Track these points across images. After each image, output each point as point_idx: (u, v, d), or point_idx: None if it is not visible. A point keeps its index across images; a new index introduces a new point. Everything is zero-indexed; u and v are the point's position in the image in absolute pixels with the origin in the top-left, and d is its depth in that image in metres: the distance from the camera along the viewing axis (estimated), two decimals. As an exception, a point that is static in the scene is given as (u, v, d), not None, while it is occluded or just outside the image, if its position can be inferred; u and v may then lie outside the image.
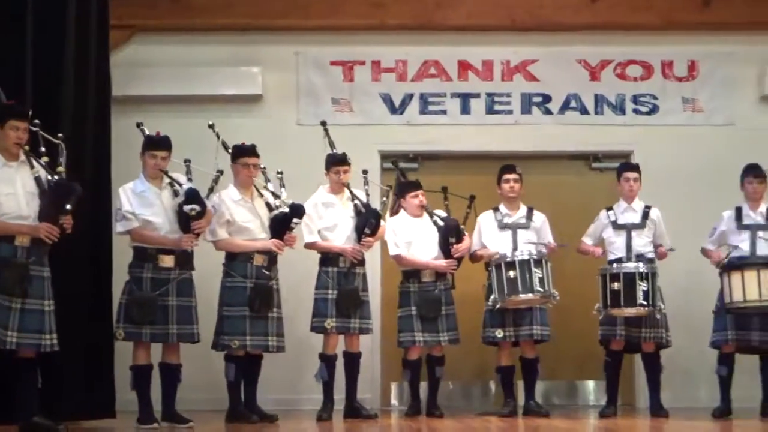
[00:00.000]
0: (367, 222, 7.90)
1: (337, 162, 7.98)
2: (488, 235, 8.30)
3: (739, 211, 8.17)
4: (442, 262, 8.13)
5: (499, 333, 8.09)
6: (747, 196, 8.21)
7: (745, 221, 8.12)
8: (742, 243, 8.05)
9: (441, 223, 8.15)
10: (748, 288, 7.80)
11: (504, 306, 7.96)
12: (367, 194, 8.08)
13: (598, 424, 7.54)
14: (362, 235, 7.90)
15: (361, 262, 7.98)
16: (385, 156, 9.40)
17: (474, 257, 8.37)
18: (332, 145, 8.09)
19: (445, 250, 8.12)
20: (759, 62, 9.52)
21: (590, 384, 9.56)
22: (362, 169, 8.15)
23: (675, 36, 9.55)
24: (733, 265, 7.92)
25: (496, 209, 8.38)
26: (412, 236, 8.21)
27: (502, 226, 8.30)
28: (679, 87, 9.58)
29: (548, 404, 8.95)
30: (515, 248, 8.12)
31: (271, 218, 7.70)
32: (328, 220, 7.97)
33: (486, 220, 8.36)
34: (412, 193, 8.26)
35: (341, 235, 7.95)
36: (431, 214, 8.21)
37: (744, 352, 8.14)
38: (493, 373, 8.49)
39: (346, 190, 7.99)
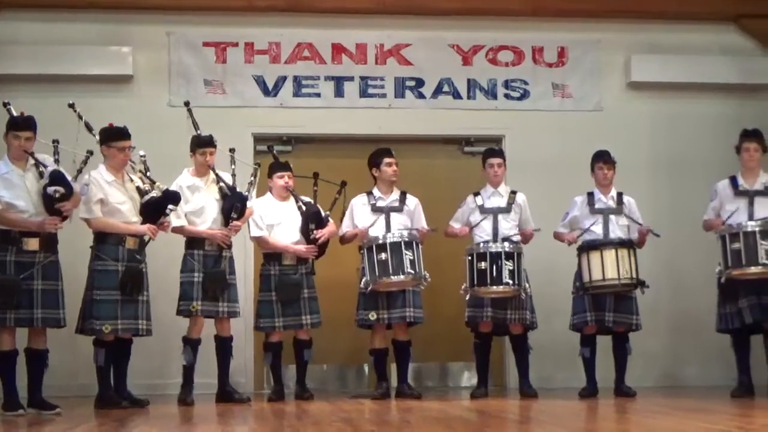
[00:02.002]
0: (234, 206, 7.85)
1: (203, 144, 7.89)
2: (361, 217, 8.32)
3: (591, 196, 8.38)
4: (302, 247, 8.11)
5: (372, 315, 8.12)
6: (597, 181, 8.42)
7: (597, 206, 8.35)
8: (595, 226, 8.26)
9: (303, 208, 8.13)
10: (606, 267, 8.01)
11: (376, 288, 7.99)
12: (234, 175, 8.01)
13: (469, 406, 7.62)
14: (229, 219, 7.84)
15: (228, 246, 7.92)
16: (258, 138, 9.34)
17: (343, 239, 8.38)
18: (196, 126, 8.00)
19: (306, 235, 8.11)
20: (626, 50, 9.76)
21: (462, 366, 9.68)
22: (229, 148, 8.07)
23: (545, 22, 9.72)
24: (591, 246, 8.12)
25: (369, 192, 8.40)
26: (275, 219, 8.18)
27: (376, 209, 8.32)
28: (550, 73, 9.75)
29: (421, 386, 9.03)
30: (388, 231, 8.15)
31: (143, 203, 7.57)
32: (194, 204, 7.88)
33: (358, 203, 8.37)
34: (279, 174, 8.22)
35: (207, 219, 7.88)
36: (296, 198, 8.18)
37: (602, 333, 8.34)
38: (367, 355, 8.51)
39: (211, 173, 7.91)
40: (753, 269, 7.87)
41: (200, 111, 9.03)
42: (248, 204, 7.99)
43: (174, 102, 9.22)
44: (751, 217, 8.06)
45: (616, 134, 9.47)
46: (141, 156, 7.71)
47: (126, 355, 7.68)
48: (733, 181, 8.27)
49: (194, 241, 7.85)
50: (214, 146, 7.91)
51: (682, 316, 9.51)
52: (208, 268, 7.80)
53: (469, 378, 9.49)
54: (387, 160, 8.35)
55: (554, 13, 9.67)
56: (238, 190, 7.93)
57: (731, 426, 5.90)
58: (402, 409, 7.37)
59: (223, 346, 7.96)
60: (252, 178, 8.13)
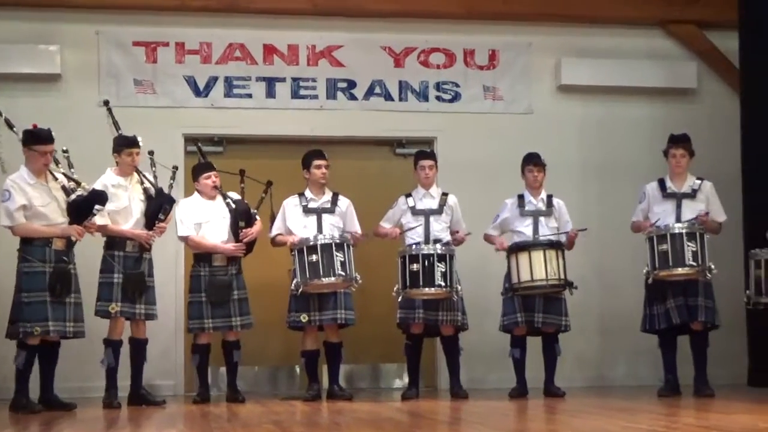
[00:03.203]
0: (162, 207, 7.78)
1: (129, 144, 7.82)
2: (293, 219, 8.29)
3: (521, 198, 8.45)
4: (231, 246, 8.07)
5: (303, 317, 8.10)
6: (528, 184, 8.49)
7: (528, 208, 8.41)
8: (525, 228, 8.33)
9: (233, 206, 8.09)
10: (535, 268, 8.07)
11: (307, 290, 7.97)
12: (155, 176, 7.94)
13: (400, 407, 7.63)
14: (155, 221, 7.77)
15: (149, 247, 7.86)
16: (189, 139, 9.28)
17: (275, 241, 8.35)
18: (117, 126, 7.92)
19: (236, 233, 8.07)
20: (556, 53, 9.85)
21: (393, 367, 9.69)
22: (150, 150, 7.99)
23: (476, 25, 9.77)
24: (519, 247, 8.18)
25: (301, 194, 8.37)
26: (203, 218, 8.13)
27: (307, 211, 8.30)
28: (481, 75, 9.81)
29: (352, 387, 9.03)
30: (320, 232, 8.14)
31: (69, 203, 7.48)
32: (118, 204, 7.80)
33: (290, 204, 8.35)
34: (205, 174, 8.18)
35: (131, 219, 7.81)
36: (224, 196, 8.13)
37: (531, 334, 8.41)
38: (298, 357, 8.48)
39: (135, 173, 7.84)
40: (680, 270, 7.99)
41: (130, 111, 9.03)
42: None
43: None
44: (678, 220, 8.18)
45: (546, 137, 9.55)
46: (63, 151, 7.61)
47: (53, 358, 7.58)
48: (662, 183, 8.39)
49: (115, 242, 7.77)
50: (139, 146, 7.84)
51: (610, 316, 9.62)
52: (128, 269, 7.72)
53: (400, 379, 9.50)
54: (316, 162, 8.32)
55: (486, 16, 9.74)
56: (165, 192, 7.87)
57: (657, 425, 5.98)
58: (333, 410, 7.36)
59: (138, 349, 7.89)
60: (171, 181, 8.03)
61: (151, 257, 7.88)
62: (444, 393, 8.74)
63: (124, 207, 7.81)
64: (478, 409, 7.40)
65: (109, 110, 7.96)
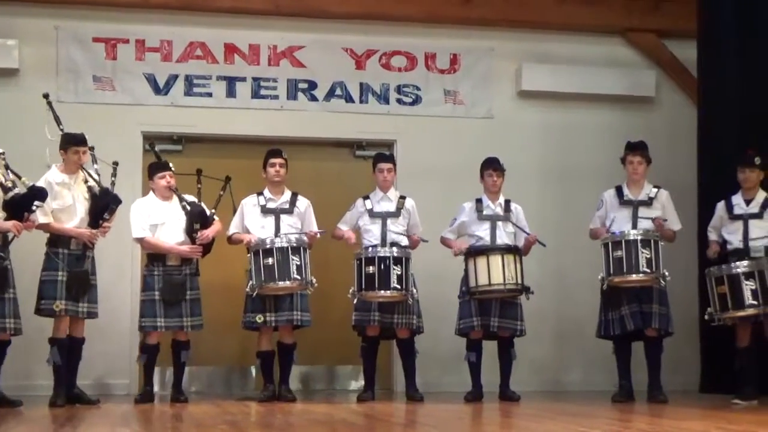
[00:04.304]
0: (108, 207, 7.74)
1: (77, 142, 7.76)
2: (251, 219, 8.27)
3: (479, 202, 8.47)
4: (186, 248, 8.03)
5: (259, 318, 8.07)
6: (486, 188, 8.51)
7: (486, 212, 8.43)
8: (483, 232, 8.35)
9: (188, 208, 8.05)
10: (492, 272, 8.10)
11: (262, 292, 7.95)
12: (98, 173, 7.87)
13: (355, 409, 7.62)
14: (100, 219, 7.72)
15: (93, 246, 7.80)
16: (148, 137, 9.20)
17: (231, 240, 8.32)
18: (58, 122, 7.85)
19: (191, 235, 8.04)
20: (516, 59, 9.89)
21: (349, 369, 9.68)
22: (90, 146, 7.88)
23: (438, 29, 9.80)
24: (477, 251, 8.20)
25: (260, 193, 8.35)
26: (158, 219, 8.07)
27: (265, 211, 8.27)
28: (442, 79, 9.84)
29: (308, 389, 9.02)
30: (277, 233, 8.12)
31: (7, 200, 7.40)
32: (63, 201, 7.73)
33: (248, 204, 8.32)
34: (160, 174, 8.12)
35: (75, 217, 7.75)
36: (180, 198, 8.09)
37: (488, 338, 8.43)
38: (254, 357, 8.45)
39: (81, 171, 7.78)
40: (634, 276, 8.04)
41: (89, 107, 8.98)
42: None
43: (62, 97, 9.03)
44: (634, 227, 8.24)
45: (506, 142, 9.59)
46: (0, 155, 7.51)
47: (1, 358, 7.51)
48: (619, 190, 8.45)
49: (59, 240, 7.71)
50: (87, 145, 7.77)
51: (566, 322, 9.68)
52: (72, 268, 7.66)
53: (356, 381, 9.49)
54: (271, 160, 8.30)
55: (448, 20, 9.76)
56: (111, 191, 7.81)
57: (610, 430, 6.02)
58: (287, 411, 7.34)
59: (76, 348, 7.84)
60: (113, 178, 7.95)
61: (93, 255, 7.83)
62: (399, 395, 8.75)
63: (69, 205, 7.74)
64: (433, 412, 7.42)
65: (50, 104, 7.87)
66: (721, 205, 8.37)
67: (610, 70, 9.97)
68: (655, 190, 8.41)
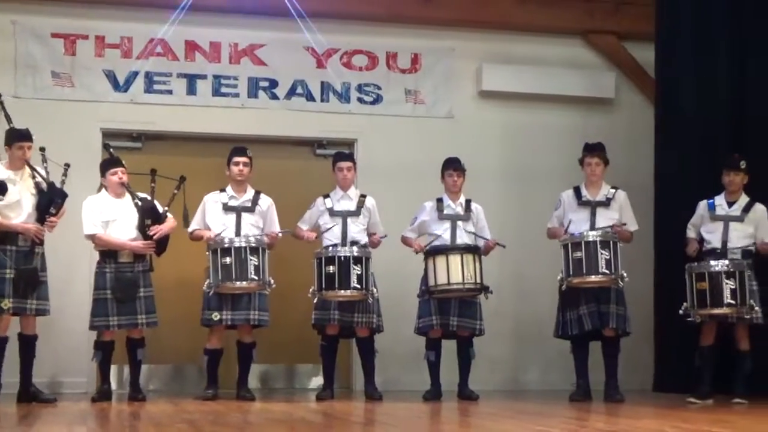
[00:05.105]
0: (53, 201, 7.68)
1: (21, 138, 7.71)
2: (212, 216, 8.23)
3: (440, 202, 8.50)
4: (139, 243, 7.98)
5: (215, 316, 8.04)
6: (447, 188, 8.54)
7: (446, 212, 8.46)
8: (443, 232, 8.38)
9: (140, 204, 8.00)
10: (452, 271, 8.13)
11: (219, 291, 7.93)
12: (47, 172, 7.82)
13: (314, 407, 7.62)
14: (46, 215, 7.67)
15: (41, 242, 7.74)
16: (107, 134, 9.15)
17: (192, 236, 8.29)
18: (9, 119, 7.79)
19: (143, 231, 7.99)
20: (477, 59, 9.93)
21: (309, 368, 9.67)
22: (41, 147, 7.83)
23: (400, 29, 9.81)
24: (437, 250, 8.22)
25: (222, 190, 8.32)
26: (110, 215, 8.00)
27: (227, 209, 8.25)
28: (403, 79, 9.85)
29: (267, 387, 8.99)
30: (238, 231, 8.10)
31: None
32: (9, 198, 7.65)
33: (211, 200, 8.28)
34: (112, 170, 8.05)
35: (22, 213, 7.69)
36: (132, 195, 8.04)
37: (447, 337, 8.46)
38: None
39: (27, 167, 7.72)
40: (593, 278, 8.10)
41: (47, 103, 8.91)
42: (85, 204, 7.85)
43: (20, 93, 8.97)
44: (592, 227, 8.30)
45: (466, 142, 9.62)
46: None
47: None
48: (577, 191, 8.50)
49: (6, 236, 7.64)
50: (32, 140, 7.72)
51: (525, 321, 9.73)
52: (20, 265, 7.61)
53: (316, 380, 9.49)
54: (235, 159, 8.27)
55: (409, 20, 9.77)
56: (57, 186, 7.76)
57: (567, 429, 6.07)
58: (246, 410, 7.33)
59: (29, 345, 7.78)
60: (63, 178, 7.88)
61: (43, 252, 7.77)
62: (359, 394, 8.76)
63: (15, 201, 7.67)
64: (391, 411, 7.43)
65: (1, 103, 7.82)
66: (703, 204, 8.44)
67: (570, 71, 10.03)
68: (613, 190, 8.47)
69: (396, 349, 9.02)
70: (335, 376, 8.50)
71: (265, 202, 8.35)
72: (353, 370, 9.34)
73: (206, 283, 7.93)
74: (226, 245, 7.91)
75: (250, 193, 8.34)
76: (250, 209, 8.27)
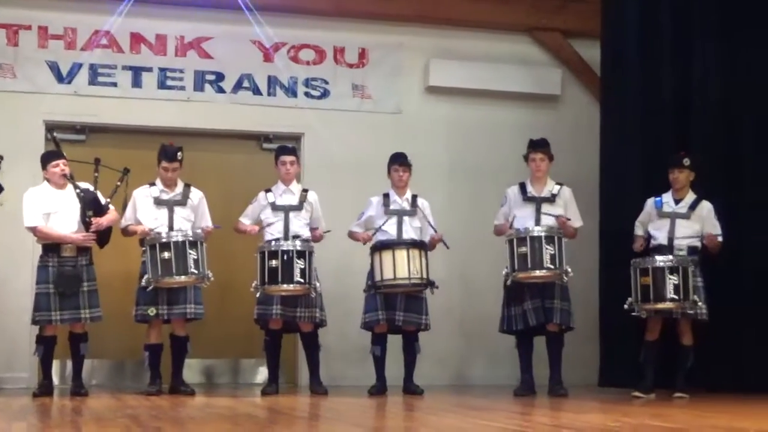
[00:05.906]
0: None
1: None
2: (143, 210, 8.14)
3: (386, 197, 8.51)
4: (80, 235, 7.88)
5: (151, 311, 7.98)
6: (393, 183, 8.55)
7: (392, 207, 8.47)
8: (390, 227, 8.38)
9: (82, 194, 7.91)
10: (398, 266, 8.14)
11: (158, 286, 7.87)
12: None
13: (258, 403, 7.59)
14: None
15: None
16: (50, 126, 9.03)
17: (125, 231, 8.21)
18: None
19: (85, 222, 7.90)
20: (425, 54, 9.94)
21: (254, 362, 9.63)
22: None
23: (347, 23, 9.78)
24: (384, 245, 8.23)
25: (152, 184, 8.23)
26: (52, 207, 7.91)
27: (159, 203, 8.17)
28: (350, 73, 9.83)
29: (211, 382, 8.94)
30: (171, 225, 8.03)
31: None
32: None
33: (141, 195, 8.20)
34: (53, 162, 7.96)
35: None
36: (75, 185, 7.94)
37: (392, 332, 8.47)
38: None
39: None
40: (538, 272, 8.14)
41: (-12, 94, 8.75)
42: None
43: (-40, 84, 8.84)
44: (537, 223, 8.34)
45: (414, 137, 9.63)
46: None
47: None
48: (522, 187, 8.54)
49: None
50: None
51: (471, 317, 9.75)
52: None
53: (261, 375, 9.45)
54: (164, 164, 8.13)
55: (356, 14, 9.75)
56: None
57: (511, 423, 6.09)
58: (190, 405, 7.28)
59: None
60: None
61: None
62: (304, 389, 8.73)
63: None
64: (336, 406, 7.42)
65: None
66: (650, 202, 8.50)
67: (516, 67, 10.07)
68: (558, 187, 8.52)
69: (342, 344, 9.02)
70: (280, 371, 8.47)
71: (196, 195, 8.28)
72: (298, 365, 9.30)
73: (144, 278, 7.86)
74: (164, 240, 7.83)
75: (181, 186, 8.25)
76: (182, 203, 8.18)
